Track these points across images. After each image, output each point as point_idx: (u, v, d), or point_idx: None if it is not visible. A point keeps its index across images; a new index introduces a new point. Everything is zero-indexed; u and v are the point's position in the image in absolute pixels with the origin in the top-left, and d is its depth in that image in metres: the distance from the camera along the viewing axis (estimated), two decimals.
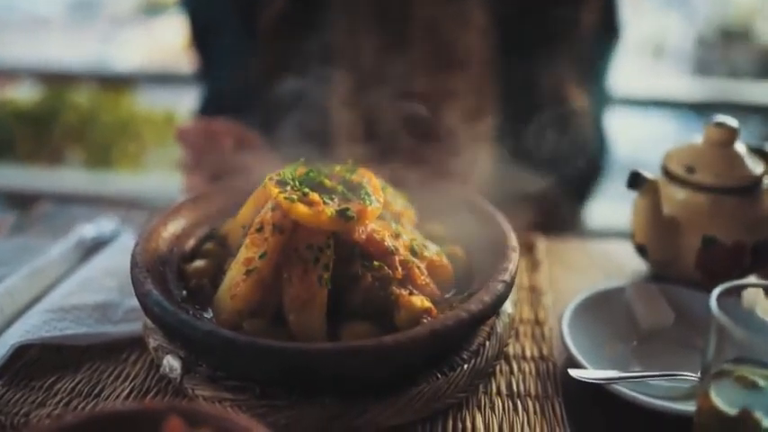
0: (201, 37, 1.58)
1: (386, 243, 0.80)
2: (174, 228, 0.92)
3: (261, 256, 0.77)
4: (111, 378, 0.82)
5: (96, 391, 0.80)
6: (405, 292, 0.78)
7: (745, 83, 3.85)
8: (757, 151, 1.02)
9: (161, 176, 3.58)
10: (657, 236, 0.97)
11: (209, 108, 1.54)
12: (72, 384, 0.81)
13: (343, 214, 0.77)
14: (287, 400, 0.73)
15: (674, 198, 0.98)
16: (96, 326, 0.88)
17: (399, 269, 0.79)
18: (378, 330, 0.76)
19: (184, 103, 3.88)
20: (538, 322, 0.96)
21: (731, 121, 0.98)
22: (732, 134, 0.97)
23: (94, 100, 3.70)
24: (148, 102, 3.94)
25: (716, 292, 0.67)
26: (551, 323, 0.96)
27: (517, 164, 1.45)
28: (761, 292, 0.71)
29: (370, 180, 0.86)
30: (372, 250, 0.80)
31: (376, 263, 0.79)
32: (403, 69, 1.40)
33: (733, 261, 0.96)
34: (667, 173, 1.00)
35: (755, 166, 0.97)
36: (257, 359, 0.67)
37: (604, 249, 1.24)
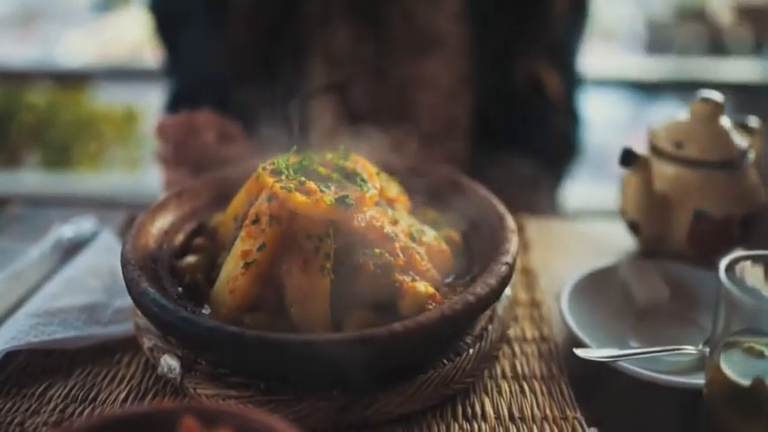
0: (166, 27, 1.53)
1: (385, 230, 0.79)
2: (161, 223, 0.89)
3: (259, 248, 0.75)
4: (106, 381, 0.79)
5: (92, 396, 0.77)
6: (407, 279, 0.77)
7: (698, 61, 3.92)
8: (740, 125, 1.03)
9: (126, 175, 3.51)
10: (650, 212, 0.97)
11: (178, 102, 1.50)
12: (65, 390, 0.77)
13: (342, 202, 0.75)
14: (293, 394, 0.71)
15: (664, 174, 0.98)
16: (85, 328, 0.85)
17: (401, 255, 0.78)
18: (382, 319, 0.74)
19: (144, 99, 3.80)
20: (534, 304, 0.96)
21: (716, 96, 0.98)
22: (718, 108, 0.98)
23: (51, 100, 3.59)
24: (106, 100, 3.84)
25: (723, 263, 0.67)
26: (547, 304, 0.96)
27: (494, 146, 1.45)
28: (757, 266, 0.71)
29: (365, 166, 0.84)
30: (372, 237, 0.78)
31: (377, 250, 0.77)
32: (378, 54, 1.39)
33: (723, 234, 0.97)
34: (655, 149, 1.00)
35: (741, 140, 0.98)
36: (267, 353, 0.65)
37: (589, 229, 1.25)
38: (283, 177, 0.77)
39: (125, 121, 3.64)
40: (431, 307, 0.74)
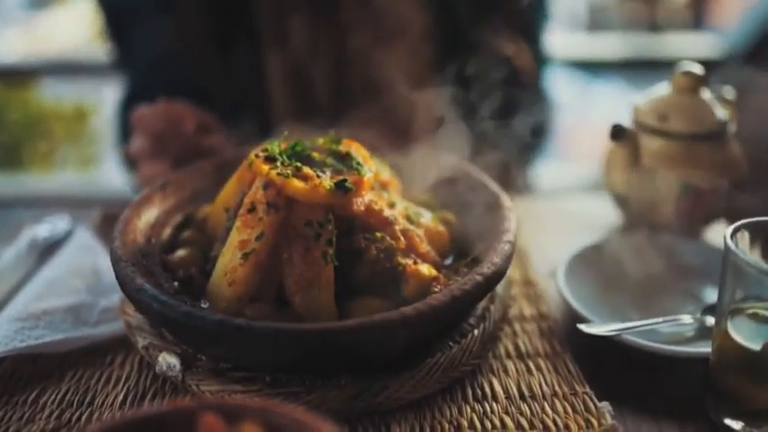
0: (116, 21, 1.47)
1: (385, 213, 0.77)
2: (147, 218, 0.85)
3: (257, 238, 0.72)
4: (101, 384, 0.76)
5: (88, 400, 0.73)
6: (410, 262, 0.75)
7: (640, 38, 3.98)
8: (718, 97, 1.04)
9: (83, 173, 3.41)
10: (638, 186, 0.98)
11: (136, 97, 1.44)
12: (59, 395, 0.74)
13: (341, 186, 0.73)
14: (301, 385, 0.70)
15: (650, 148, 0.99)
16: (73, 330, 0.81)
17: (402, 239, 0.77)
18: (387, 304, 0.73)
19: (92, 95, 3.69)
20: (528, 282, 0.96)
21: (697, 68, 0.99)
22: (699, 81, 0.99)
23: None
24: (53, 97, 3.70)
25: (728, 231, 0.68)
26: (540, 282, 0.96)
27: (464, 126, 1.44)
28: (757, 233, 0.72)
29: (358, 149, 0.82)
30: (372, 221, 0.76)
31: (378, 234, 0.75)
32: (337, 39, 1.36)
33: (709, 205, 0.98)
34: (639, 124, 1.01)
35: (722, 112, 1.00)
36: (279, 344, 0.63)
37: (570, 205, 1.25)
38: (278, 164, 0.75)
39: (76, 118, 3.53)
40: (436, 290, 0.73)
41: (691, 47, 3.66)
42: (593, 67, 4.00)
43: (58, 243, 1.01)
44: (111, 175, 2.85)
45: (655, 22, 4.41)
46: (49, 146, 3.49)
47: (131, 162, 1.12)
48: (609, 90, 4.09)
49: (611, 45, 3.80)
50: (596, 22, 4.63)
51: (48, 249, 1.00)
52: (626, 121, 1.02)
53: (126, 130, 1.43)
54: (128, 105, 1.45)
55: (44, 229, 1.03)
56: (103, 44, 1.84)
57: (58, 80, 3.84)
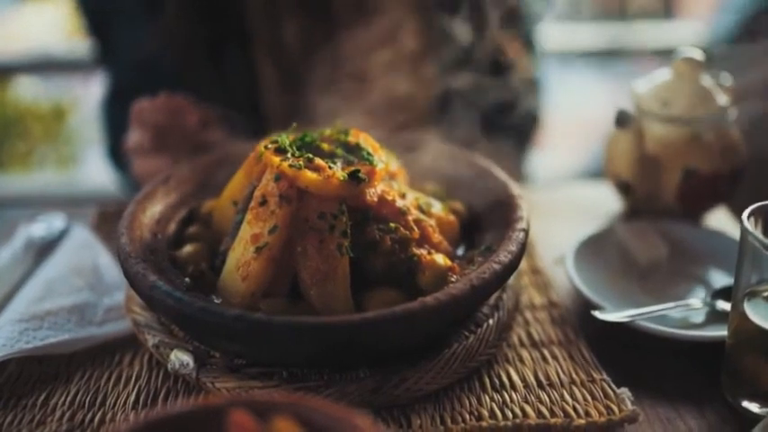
0: (98, 17, 1.44)
1: (398, 203, 0.76)
2: (151, 213, 0.83)
3: (271, 231, 0.71)
4: (111, 384, 0.74)
5: (99, 401, 0.72)
6: (425, 252, 0.75)
7: (612, 28, 3.99)
8: (717, 83, 1.04)
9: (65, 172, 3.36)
10: (642, 172, 0.98)
11: (120, 94, 1.41)
12: (69, 397, 0.72)
13: (354, 177, 0.72)
14: (319, 379, 0.69)
15: (653, 134, 0.99)
16: (78, 330, 0.79)
17: (415, 229, 0.76)
18: (403, 294, 0.72)
19: (71, 93, 3.63)
20: (535, 271, 0.95)
21: (697, 54, 0.99)
22: (699, 67, 0.99)
23: None
24: (30, 95, 3.63)
25: (746, 214, 0.68)
26: (548, 270, 0.95)
27: (459, 119, 1.44)
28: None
29: (366, 140, 0.81)
30: (386, 212, 0.75)
31: (392, 225, 0.74)
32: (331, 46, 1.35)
33: (712, 190, 0.99)
34: (641, 110, 1.00)
35: (722, 97, 1.00)
36: (299, 339, 0.62)
37: (567, 194, 1.25)
38: (289, 155, 0.74)
39: (54, 117, 3.46)
40: (452, 279, 0.72)
41: (664, 36, 3.68)
42: (565, 57, 4.01)
43: (55, 242, 0.99)
44: (95, 174, 2.81)
45: (626, 11, 4.43)
46: (28, 146, 3.42)
47: (127, 157, 1.10)
48: (581, 80, 4.10)
49: (583, 35, 3.80)
50: (568, 12, 4.64)
51: (45, 248, 0.97)
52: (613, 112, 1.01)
53: (114, 126, 1.41)
54: (113, 102, 1.42)
55: (39, 227, 1.00)
56: (84, 40, 1.80)
57: (34, 78, 3.77)
